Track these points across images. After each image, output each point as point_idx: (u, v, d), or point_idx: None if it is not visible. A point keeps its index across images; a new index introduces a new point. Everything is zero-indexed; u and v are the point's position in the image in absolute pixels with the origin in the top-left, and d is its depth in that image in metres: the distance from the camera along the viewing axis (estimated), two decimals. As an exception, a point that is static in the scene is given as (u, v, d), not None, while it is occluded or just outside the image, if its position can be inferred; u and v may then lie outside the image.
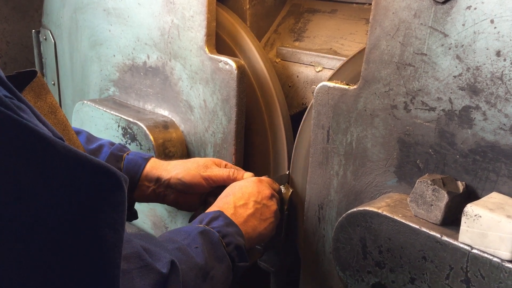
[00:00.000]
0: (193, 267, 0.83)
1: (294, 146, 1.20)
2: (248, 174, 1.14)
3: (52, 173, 0.53)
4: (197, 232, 0.89)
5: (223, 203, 1.03)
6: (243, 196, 1.04)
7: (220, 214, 0.97)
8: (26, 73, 0.82)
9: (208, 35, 1.20)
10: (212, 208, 1.02)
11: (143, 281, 0.69)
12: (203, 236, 0.89)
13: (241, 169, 1.16)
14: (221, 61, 1.18)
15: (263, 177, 1.13)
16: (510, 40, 0.75)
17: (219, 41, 1.26)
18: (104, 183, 0.56)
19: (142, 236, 0.84)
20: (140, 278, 0.69)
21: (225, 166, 1.16)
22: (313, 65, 1.28)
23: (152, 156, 1.17)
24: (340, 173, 1.04)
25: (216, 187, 1.14)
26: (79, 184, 0.54)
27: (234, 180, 1.13)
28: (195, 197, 1.16)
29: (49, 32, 1.73)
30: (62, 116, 0.86)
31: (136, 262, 0.70)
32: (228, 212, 0.99)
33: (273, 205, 1.08)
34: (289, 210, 1.21)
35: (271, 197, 1.08)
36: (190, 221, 1.19)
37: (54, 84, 1.80)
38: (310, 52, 1.28)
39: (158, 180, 1.13)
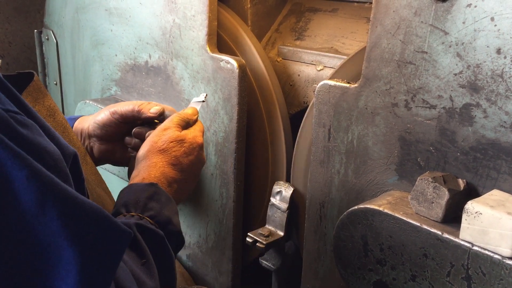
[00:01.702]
0: None
1: (295, 144, 1.21)
2: (156, 107, 1.06)
3: None
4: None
5: (149, 167, 0.93)
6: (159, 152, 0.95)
7: (154, 192, 0.87)
8: (25, 74, 0.82)
9: (209, 34, 1.21)
10: (141, 173, 0.92)
11: None
12: (146, 243, 0.78)
13: (150, 103, 1.08)
14: (222, 60, 1.19)
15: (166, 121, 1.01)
16: (511, 37, 0.75)
17: (220, 40, 1.27)
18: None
19: None
20: None
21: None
22: (314, 64, 1.28)
23: (82, 115, 1.14)
24: (341, 172, 1.04)
25: (135, 125, 1.08)
26: None
27: (139, 112, 1.06)
28: (116, 144, 1.10)
29: (51, 32, 1.74)
30: (61, 118, 0.86)
31: None
32: (162, 183, 0.91)
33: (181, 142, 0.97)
34: (290, 209, 1.21)
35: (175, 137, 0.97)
36: (129, 175, 1.10)
37: (56, 84, 1.81)
38: (311, 51, 1.28)
39: (81, 132, 1.09)
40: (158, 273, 0.77)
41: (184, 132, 0.99)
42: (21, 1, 1.87)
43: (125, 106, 1.06)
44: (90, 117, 1.10)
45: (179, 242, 0.89)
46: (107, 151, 1.10)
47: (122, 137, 1.10)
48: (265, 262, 1.29)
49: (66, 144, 0.68)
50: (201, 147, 1.00)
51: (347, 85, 0.99)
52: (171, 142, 0.96)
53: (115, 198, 0.92)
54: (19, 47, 1.91)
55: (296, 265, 1.25)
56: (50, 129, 0.65)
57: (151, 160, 0.93)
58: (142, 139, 1.05)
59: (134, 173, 0.93)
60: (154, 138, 0.97)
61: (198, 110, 1.08)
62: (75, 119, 1.11)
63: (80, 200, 0.58)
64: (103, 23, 1.49)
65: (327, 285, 1.13)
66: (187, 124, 1.02)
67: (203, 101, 1.11)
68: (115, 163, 1.14)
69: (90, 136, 1.09)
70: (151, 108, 1.06)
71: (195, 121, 1.05)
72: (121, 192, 0.88)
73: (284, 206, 1.21)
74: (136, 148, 1.06)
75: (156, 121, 1.08)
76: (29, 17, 1.90)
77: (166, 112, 1.07)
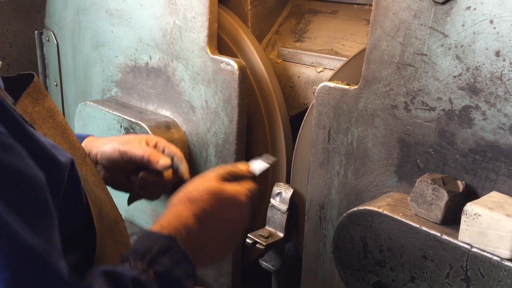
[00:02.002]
0: None
1: (295, 146, 1.21)
2: (164, 160, 1.03)
3: None
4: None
5: (172, 216, 0.83)
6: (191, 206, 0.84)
7: (169, 246, 0.76)
8: (25, 75, 0.82)
9: (210, 36, 1.21)
10: (161, 220, 0.81)
11: None
12: None
13: (160, 154, 1.05)
14: (222, 61, 1.19)
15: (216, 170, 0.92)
16: (509, 40, 0.76)
17: (220, 42, 1.27)
18: None
19: None
20: None
21: (155, 146, 1.08)
22: (314, 66, 1.28)
23: (91, 135, 1.13)
24: (341, 173, 1.04)
25: (142, 168, 1.06)
26: None
27: (147, 162, 1.04)
28: (121, 175, 1.08)
29: (51, 33, 1.74)
30: (61, 119, 0.85)
31: None
32: (181, 236, 0.79)
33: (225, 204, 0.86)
34: (290, 210, 1.21)
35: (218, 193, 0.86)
36: (128, 203, 1.09)
37: (56, 85, 1.81)
38: (311, 53, 1.29)
39: (88, 155, 1.06)
40: None
41: (226, 185, 0.87)
42: (22, 2, 1.87)
43: (135, 151, 1.05)
44: (99, 141, 1.09)
45: None
46: (110, 177, 1.10)
47: (127, 172, 1.10)
48: (265, 263, 1.29)
49: (62, 152, 0.67)
50: (243, 205, 0.87)
51: (347, 87, 0.99)
52: (206, 193, 0.84)
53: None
54: (20, 48, 1.91)
55: (296, 266, 1.25)
56: (41, 143, 0.64)
57: (177, 208, 0.82)
58: (146, 186, 1.06)
59: (158, 218, 0.84)
60: (190, 185, 0.87)
61: (256, 171, 0.96)
62: (83, 138, 1.11)
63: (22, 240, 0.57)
64: (104, 24, 1.50)
65: (327, 286, 1.13)
66: (233, 178, 0.91)
67: (269, 164, 0.99)
68: (116, 188, 1.13)
69: (96, 162, 1.08)
70: (160, 161, 1.03)
71: (247, 179, 0.94)
72: (138, 237, 0.79)
73: (284, 207, 1.21)
74: (141, 185, 1.07)
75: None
76: (29, 18, 1.91)
77: (175, 160, 1.07)
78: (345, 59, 1.15)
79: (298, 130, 1.20)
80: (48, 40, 1.77)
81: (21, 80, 0.81)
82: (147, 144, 1.07)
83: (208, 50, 1.22)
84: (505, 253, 0.73)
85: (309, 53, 1.29)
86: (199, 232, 0.81)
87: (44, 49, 1.82)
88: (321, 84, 1.03)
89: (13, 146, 0.59)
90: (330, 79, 1.10)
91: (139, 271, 0.70)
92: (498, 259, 0.73)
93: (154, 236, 0.77)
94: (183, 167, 1.07)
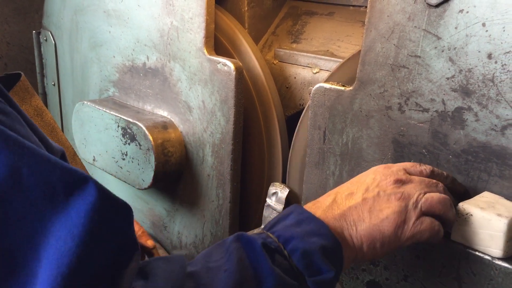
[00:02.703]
0: None
1: (291, 146, 1.22)
2: (151, 242, 1.10)
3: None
4: (235, 247, 0.64)
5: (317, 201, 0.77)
6: (350, 187, 0.77)
7: (293, 210, 0.71)
8: (14, 75, 0.83)
9: (206, 37, 1.22)
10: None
11: None
12: (239, 252, 0.64)
13: (146, 235, 1.09)
14: (219, 62, 1.20)
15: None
16: (501, 43, 0.77)
17: (217, 43, 1.28)
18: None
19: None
20: None
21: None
22: (310, 67, 1.30)
23: None
24: (336, 173, 1.05)
25: None
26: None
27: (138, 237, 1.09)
28: None
29: (49, 33, 1.75)
30: (49, 118, 0.86)
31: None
32: (312, 206, 0.74)
33: (403, 191, 0.74)
34: (286, 210, 1.23)
35: (400, 182, 0.76)
36: None
37: (54, 85, 1.82)
38: (307, 54, 1.30)
39: None
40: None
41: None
42: (20, 2, 1.88)
43: None
44: None
45: (310, 262, 0.65)
46: None
47: None
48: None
49: (54, 143, 0.68)
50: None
51: (342, 88, 1.00)
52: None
53: None
54: (18, 47, 1.92)
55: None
56: (38, 128, 0.63)
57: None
58: None
59: None
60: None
61: None
62: None
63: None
64: (102, 24, 1.51)
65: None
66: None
67: None
68: None
69: None
70: (148, 240, 1.10)
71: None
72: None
73: (280, 207, 1.22)
74: None
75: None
76: (27, 18, 1.91)
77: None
78: (340, 60, 1.17)
79: (294, 131, 1.21)
80: (46, 40, 1.78)
81: (10, 80, 0.81)
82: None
83: (205, 50, 1.23)
84: (496, 252, 0.74)
85: (305, 54, 1.30)
86: (330, 206, 0.74)
87: (42, 49, 1.83)
88: (317, 85, 1.04)
89: (13, 114, 0.57)
90: (326, 80, 1.11)
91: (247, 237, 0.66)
92: (489, 258, 0.74)
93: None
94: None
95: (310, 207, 0.75)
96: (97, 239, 0.49)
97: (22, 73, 0.82)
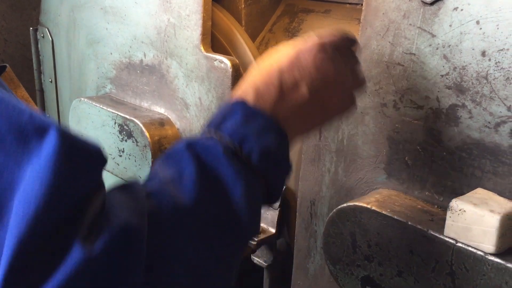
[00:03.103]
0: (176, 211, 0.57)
1: (288, 143, 1.23)
2: None
3: None
4: (190, 155, 0.61)
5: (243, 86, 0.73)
6: (270, 67, 0.72)
7: (234, 107, 0.67)
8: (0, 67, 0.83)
9: (203, 34, 1.23)
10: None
11: None
12: (197, 160, 0.60)
13: None
14: (216, 59, 1.20)
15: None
16: (495, 40, 0.78)
17: (214, 40, 1.28)
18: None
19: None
20: None
21: None
22: (307, 64, 1.30)
23: None
24: (331, 170, 1.06)
25: None
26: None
27: None
28: None
29: (46, 30, 1.75)
30: (36, 109, 0.86)
31: None
32: (250, 95, 0.68)
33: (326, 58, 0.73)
34: (282, 206, 1.23)
35: (321, 49, 0.75)
36: None
37: (51, 82, 1.82)
38: (304, 52, 1.30)
39: None
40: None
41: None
42: (17, -1, 1.88)
43: None
44: None
45: (269, 158, 0.64)
46: None
47: None
48: (257, 258, 1.31)
49: None
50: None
51: (338, 85, 1.01)
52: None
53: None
54: (15, 44, 1.92)
55: (287, 262, 1.27)
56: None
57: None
58: None
59: None
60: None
61: None
62: None
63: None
64: (99, 21, 1.51)
65: (317, 281, 1.15)
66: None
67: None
68: None
69: None
70: None
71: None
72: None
73: (276, 203, 1.23)
74: None
75: None
76: (24, 14, 1.91)
77: None
78: (336, 58, 1.17)
79: (290, 128, 1.22)
80: (43, 37, 1.78)
81: None
82: None
83: (202, 48, 1.23)
84: (489, 248, 0.75)
85: (301, 51, 1.30)
86: (264, 93, 0.70)
87: (39, 46, 1.83)
88: (313, 82, 1.05)
89: (5, 85, 0.59)
90: (322, 78, 1.11)
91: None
92: (482, 253, 0.75)
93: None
94: None
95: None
96: (60, 182, 0.51)
97: (7, 65, 0.82)
